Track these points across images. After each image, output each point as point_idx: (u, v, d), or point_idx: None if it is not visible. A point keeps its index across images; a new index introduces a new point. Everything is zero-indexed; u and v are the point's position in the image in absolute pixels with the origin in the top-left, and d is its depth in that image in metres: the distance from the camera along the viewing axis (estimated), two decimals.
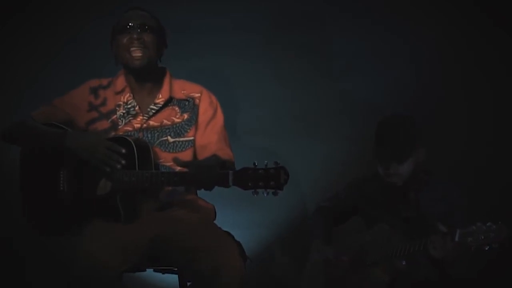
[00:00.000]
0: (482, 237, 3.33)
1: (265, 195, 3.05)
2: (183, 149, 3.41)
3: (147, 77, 3.43)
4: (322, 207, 3.94)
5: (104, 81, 3.50)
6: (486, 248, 3.34)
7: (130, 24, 3.36)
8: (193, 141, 3.43)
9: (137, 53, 3.35)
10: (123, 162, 3.23)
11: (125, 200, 3.26)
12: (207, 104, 3.47)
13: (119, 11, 3.49)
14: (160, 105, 3.42)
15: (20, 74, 4.63)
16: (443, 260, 3.46)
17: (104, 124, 3.43)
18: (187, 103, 3.45)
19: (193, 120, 3.43)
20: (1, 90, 4.62)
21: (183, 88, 3.48)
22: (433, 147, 3.71)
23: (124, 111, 3.42)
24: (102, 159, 3.23)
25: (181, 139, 3.41)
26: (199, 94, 3.46)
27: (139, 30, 3.35)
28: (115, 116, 3.43)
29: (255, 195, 3.05)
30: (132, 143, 3.26)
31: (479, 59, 4.55)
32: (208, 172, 3.09)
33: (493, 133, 4.53)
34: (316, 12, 4.68)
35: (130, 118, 3.41)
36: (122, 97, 3.44)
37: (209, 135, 3.44)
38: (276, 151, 4.59)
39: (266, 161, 3.05)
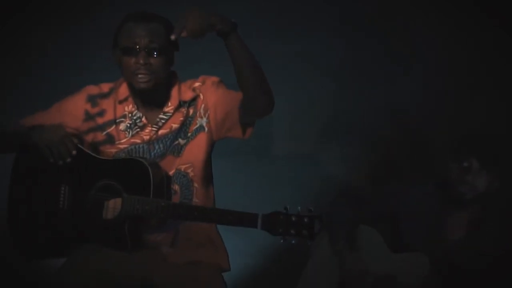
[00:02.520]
0: None
1: (292, 241, 2.96)
2: (192, 138, 3.27)
3: (153, 91, 3.25)
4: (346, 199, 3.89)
5: (105, 88, 3.33)
6: None
7: (136, 46, 3.16)
8: (202, 127, 3.27)
9: (143, 79, 3.17)
10: (68, 160, 3.12)
11: (133, 228, 3.11)
12: (209, 85, 3.30)
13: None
14: (170, 114, 3.27)
15: (19, 74, 4.63)
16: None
17: (99, 136, 3.27)
18: (192, 97, 3.30)
19: (197, 108, 3.28)
20: (1, 90, 4.63)
21: (189, 87, 3.31)
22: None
23: (130, 122, 3.27)
24: (50, 148, 3.12)
25: (189, 134, 3.27)
26: (199, 83, 3.31)
27: (146, 54, 3.17)
28: (113, 128, 3.26)
29: (282, 241, 2.96)
30: (148, 167, 3.10)
31: (479, 60, 4.56)
32: (235, 214, 3.04)
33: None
34: (318, 13, 4.69)
35: (138, 130, 3.26)
36: (125, 107, 3.29)
37: (224, 108, 3.25)
38: (276, 151, 4.59)
39: (299, 207, 2.96)
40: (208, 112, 3.28)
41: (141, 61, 3.16)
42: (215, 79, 3.32)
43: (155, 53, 3.18)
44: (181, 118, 3.27)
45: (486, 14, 4.51)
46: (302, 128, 4.73)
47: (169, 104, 3.28)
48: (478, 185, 3.61)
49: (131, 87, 3.27)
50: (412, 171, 4.62)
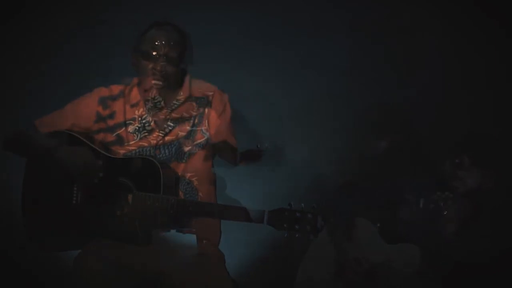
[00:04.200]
0: (442, 204, 3.65)
1: (296, 236, 3.11)
2: (197, 150, 3.44)
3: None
4: (349, 185, 3.97)
5: (115, 90, 3.48)
6: (445, 213, 3.69)
7: (154, 53, 3.36)
8: (202, 144, 3.45)
9: (157, 83, 3.39)
10: (96, 181, 3.26)
11: (144, 223, 3.25)
12: (218, 101, 3.50)
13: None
14: (182, 101, 3.45)
15: (20, 74, 4.64)
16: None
17: (109, 137, 3.41)
18: (203, 100, 3.49)
19: (207, 116, 3.46)
20: (1, 90, 4.63)
21: (200, 87, 3.51)
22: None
23: (139, 125, 3.42)
24: (78, 174, 3.24)
25: (195, 144, 3.44)
26: (212, 93, 3.50)
27: (163, 62, 3.37)
28: (123, 130, 3.40)
29: (286, 235, 3.11)
30: (159, 166, 3.25)
31: (478, 60, 4.56)
32: (242, 211, 3.18)
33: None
34: (319, 14, 4.70)
35: (146, 133, 3.41)
36: (136, 111, 3.43)
37: (220, 125, 3.48)
38: (276, 151, 4.59)
39: (302, 204, 3.11)
40: (209, 130, 3.47)
41: (158, 68, 3.36)
42: (225, 97, 3.54)
43: (172, 61, 3.37)
44: (188, 128, 3.42)
45: (486, 14, 4.51)
46: (302, 128, 4.74)
47: (181, 93, 3.45)
48: (469, 181, 3.75)
49: (143, 91, 3.44)
50: (411, 170, 4.62)
